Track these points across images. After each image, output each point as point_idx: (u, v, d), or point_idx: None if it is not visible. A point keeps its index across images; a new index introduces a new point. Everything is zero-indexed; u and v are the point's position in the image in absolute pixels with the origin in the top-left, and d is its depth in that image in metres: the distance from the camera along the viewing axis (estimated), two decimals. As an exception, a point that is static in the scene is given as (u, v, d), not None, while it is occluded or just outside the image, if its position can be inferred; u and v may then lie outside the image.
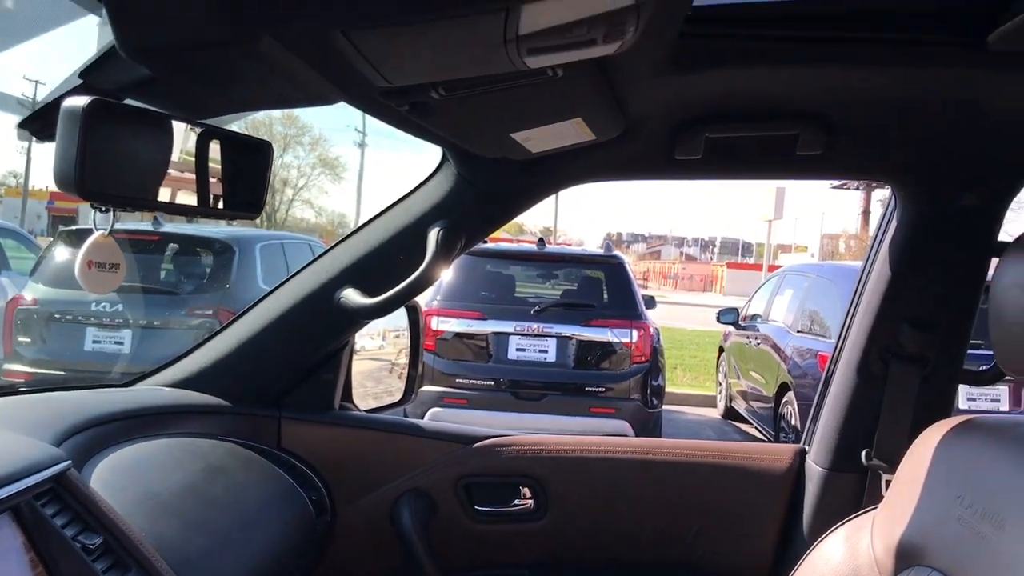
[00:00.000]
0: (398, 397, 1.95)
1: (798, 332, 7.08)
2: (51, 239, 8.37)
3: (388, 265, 1.55)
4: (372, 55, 0.79)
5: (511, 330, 6.74)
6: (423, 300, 7.02)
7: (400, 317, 2.07)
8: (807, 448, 1.72)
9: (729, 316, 8.92)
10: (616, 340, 6.75)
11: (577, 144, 1.39)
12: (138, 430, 1.35)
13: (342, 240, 1.62)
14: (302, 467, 1.63)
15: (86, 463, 1.18)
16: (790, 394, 6.90)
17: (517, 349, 6.80)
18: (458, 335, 6.86)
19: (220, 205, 1.18)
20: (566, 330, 6.73)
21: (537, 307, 6.83)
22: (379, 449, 1.71)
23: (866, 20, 1.24)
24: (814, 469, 1.67)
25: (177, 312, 6.80)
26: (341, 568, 1.68)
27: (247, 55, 0.76)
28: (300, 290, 1.59)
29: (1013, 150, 1.44)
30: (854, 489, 1.62)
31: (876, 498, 1.51)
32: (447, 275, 7.23)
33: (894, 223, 1.57)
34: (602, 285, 7.19)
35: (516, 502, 1.72)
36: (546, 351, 6.80)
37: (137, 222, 7.61)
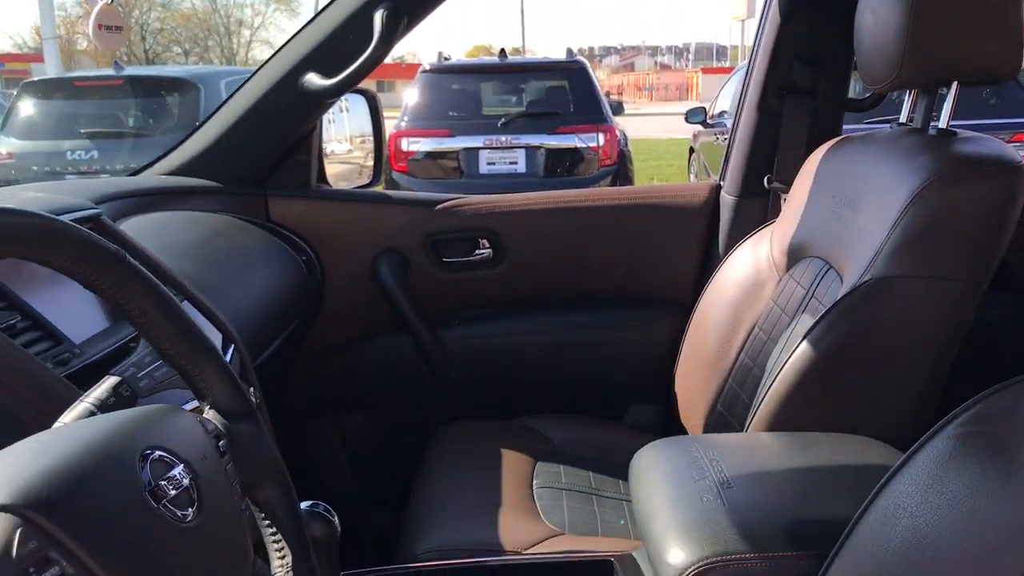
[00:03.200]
0: (368, 179, 2.19)
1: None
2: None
3: (341, 49, 1.75)
4: None
5: (480, 144, 6.90)
6: (390, 124, 7.16)
7: (365, 123, 2.28)
8: (721, 183, 2.00)
9: (697, 116, 9.08)
10: (583, 145, 6.94)
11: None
12: (149, 207, 1.60)
13: (300, 30, 1.81)
14: (290, 235, 1.90)
15: (120, 223, 1.43)
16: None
17: (487, 163, 6.99)
18: (428, 154, 7.04)
19: None
20: (534, 140, 6.91)
21: (504, 119, 6.97)
22: (355, 217, 1.97)
23: None
24: (727, 199, 1.96)
25: (151, 154, 6.91)
26: (338, 319, 1.99)
27: None
28: (269, 78, 1.80)
29: None
30: (759, 210, 1.90)
31: (776, 214, 1.80)
32: (412, 96, 7.33)
33: None
34: (567, 92, 7.29)
35: (476, 252, 2.01)
36: (516, 163, 6.99)
37: (97, 70, 7.56)
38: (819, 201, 1.61)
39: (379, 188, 2.23)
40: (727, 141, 2.02)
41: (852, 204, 1.47)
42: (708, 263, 1.95)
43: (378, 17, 1.68)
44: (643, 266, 1.99)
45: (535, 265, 2.00)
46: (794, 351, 1.33)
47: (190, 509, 0.64)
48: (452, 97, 7.33)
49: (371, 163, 2.22)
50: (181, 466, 0.65)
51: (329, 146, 2.44)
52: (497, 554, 1.36)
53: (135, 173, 1.87)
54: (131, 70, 7.25)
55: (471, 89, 7.49)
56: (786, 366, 1.32)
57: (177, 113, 7.18)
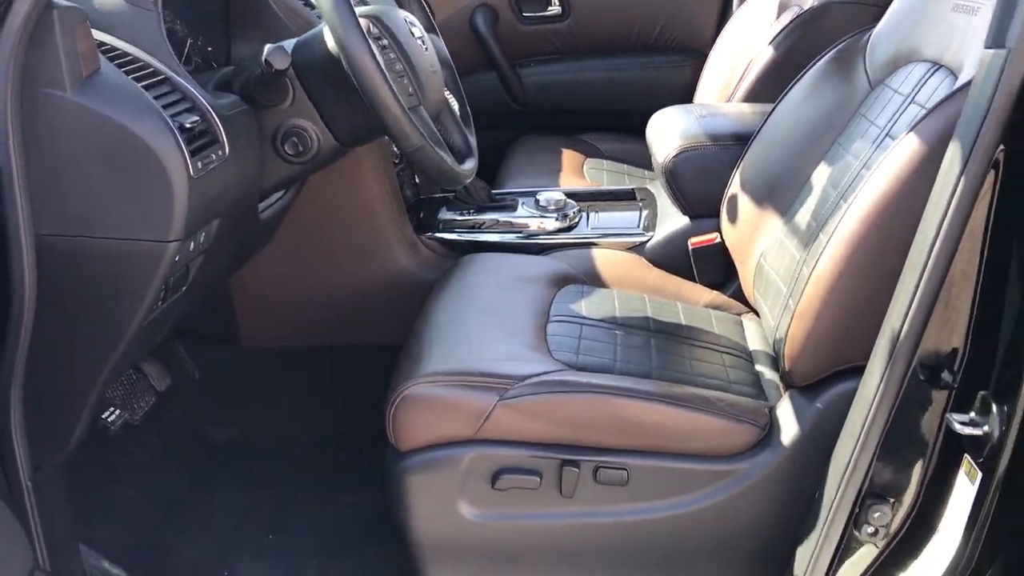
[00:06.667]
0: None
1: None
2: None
3: None
4: None
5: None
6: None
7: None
8: None
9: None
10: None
11: None
12: None
13: None
14: None
15: None
16: None
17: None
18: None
19: None
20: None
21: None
22: None
23: None
24: None
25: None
26: None
27: None
28: None
29: None
30: None
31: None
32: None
33: None
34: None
35: (549, 8, 2.66)
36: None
37: None
38: None
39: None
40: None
41: None
42: (723, 21, 2.58)
43: None
44: (675, 21, 2.63)
45: (593, 19, 2.65)
46: (762, 54, 1.99)
47: (426, 47, 1.35)
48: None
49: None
50: (415, 27, 1.36)
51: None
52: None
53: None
54: None
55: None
56: (753, 62, 1.99)
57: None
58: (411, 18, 1.37)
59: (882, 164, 1.12)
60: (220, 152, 1.14)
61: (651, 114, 2.71)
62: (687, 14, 2.62)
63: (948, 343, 0.98)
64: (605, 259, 1.70)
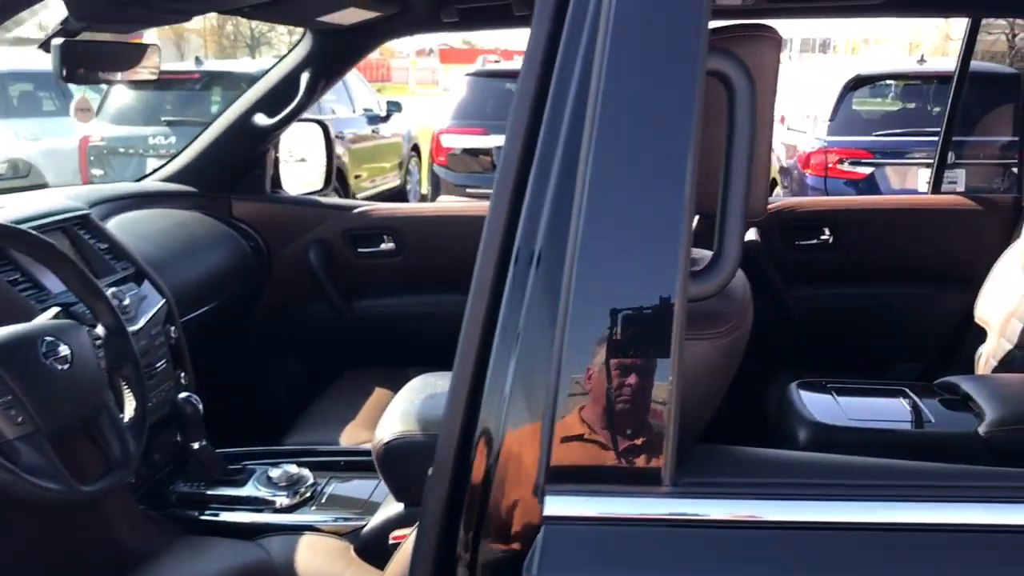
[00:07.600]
0: (320, 187, 2.94)
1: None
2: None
3: (281, 98, 2.49)
4: None
5: (511, 143, 7.61)
6: (435, 122, 7.94)
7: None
8: None
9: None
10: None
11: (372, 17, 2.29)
12: (138, 206, 2.36)
13: (253, 85, 2.56)
14: (245, 227, 2.65)
15: (108, 219, 2.19)
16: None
17: (518, 160, 7.68)
18: (465, 151, 7.80)
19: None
20: (561, 140, 7.57)
21: (533, 121, 7.67)
22: (294, 215, 2.71)
23: None
24: None
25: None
26: (281, 289, 2.73)
27: None
28: (235, 113, 2.55)
29: None
30: None
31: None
32: (456, 97, 8.11)
33: None
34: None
35: (382, 245, 2.73)
36: (543, 160, 7.65)
37: (179, 63, 8.52)
38: None
39: (331, 194, 2.98)
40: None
41: None
42: None
43: (303, 78, 2.42)
44: None
45: (426, 257, 2.71)
46: None
47: (66, 365, 1.38)
48: (490, 98, 8.04)
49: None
50: (64, 345, 1.39)
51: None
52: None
53: (141, 179, 2.65)
54: (208, 65, 8.21)
55: (507, 90, 8.19)
56: None
57: (246, 105, 8.09)
58: (56, 337, 1.39)
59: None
60: None
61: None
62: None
63: None
64: (311, 548, 1.67)
